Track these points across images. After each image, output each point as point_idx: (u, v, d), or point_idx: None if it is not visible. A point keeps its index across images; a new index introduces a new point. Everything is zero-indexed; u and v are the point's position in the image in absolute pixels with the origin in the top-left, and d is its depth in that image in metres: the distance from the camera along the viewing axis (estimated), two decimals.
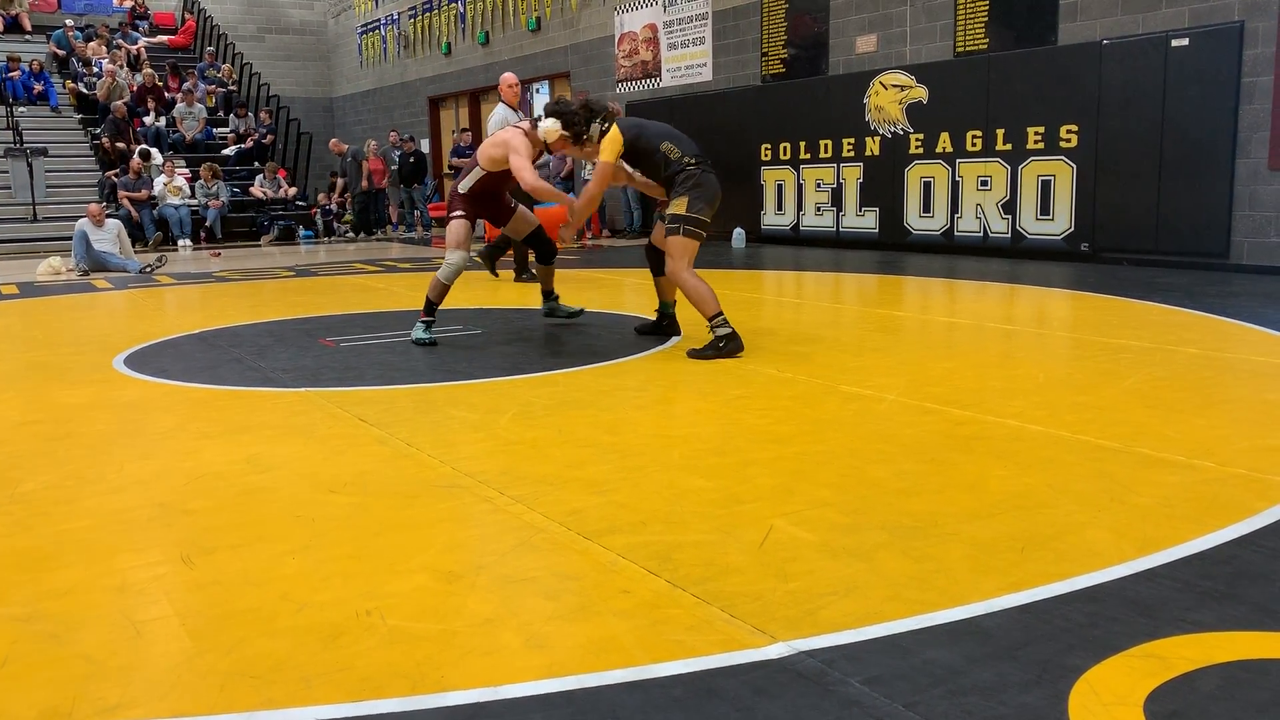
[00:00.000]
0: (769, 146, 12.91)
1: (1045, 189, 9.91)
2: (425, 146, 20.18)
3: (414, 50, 20.86)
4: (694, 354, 5.25)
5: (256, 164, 18.07)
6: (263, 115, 19.44)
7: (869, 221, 11.80)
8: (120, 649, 2.12)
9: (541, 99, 18.34)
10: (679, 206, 5.28)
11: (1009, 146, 10.15)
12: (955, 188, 10.74)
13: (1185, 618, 2.15)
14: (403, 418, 4.08)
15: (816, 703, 1.85)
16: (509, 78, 9.55)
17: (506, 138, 5.68)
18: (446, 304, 7.76)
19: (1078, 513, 2.81)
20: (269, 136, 18.78)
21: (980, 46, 10.45)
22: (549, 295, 6.69)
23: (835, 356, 5.22)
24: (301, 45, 24.29)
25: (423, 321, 5.91)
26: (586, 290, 8.61)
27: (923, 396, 4.25)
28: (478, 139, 18.18)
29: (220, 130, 18.90)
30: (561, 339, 6.25)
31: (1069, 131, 9.64)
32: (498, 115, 9.10)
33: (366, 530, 2.80)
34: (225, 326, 6.83)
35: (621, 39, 15.36)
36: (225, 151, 18.23)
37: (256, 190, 16.97)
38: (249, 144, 18.40)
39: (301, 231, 16.78)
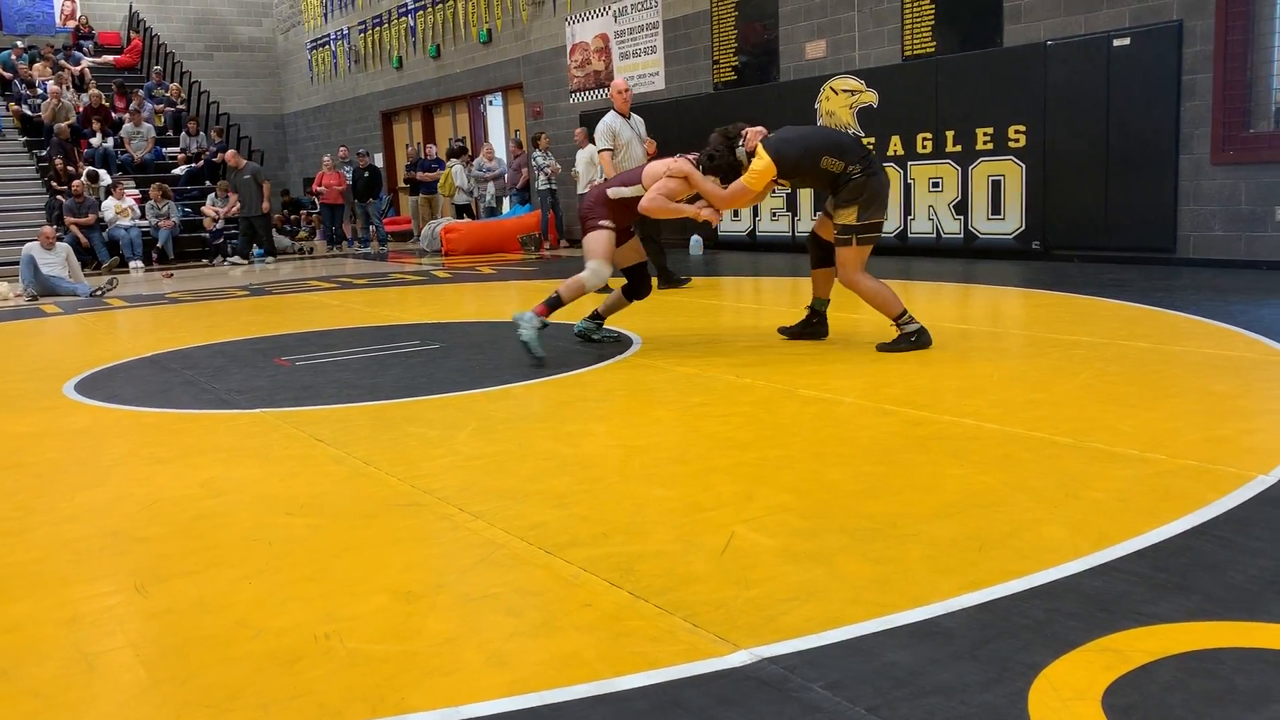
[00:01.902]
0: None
1: (995, 189, 10.04)
2: (379, 161, 20.06)
3: (365, 65, 20.75)
4: (884, 348, 5.32)
5: (208, 183, 17.86)
6: (213, 133, 19.23)
7: None
8: (72, 683, 2.07)
9: (495, 110, 18.33)
10: (849, 217, 5.30)
11: (959, 148, 10.27)
12: (908, 190, 10.84)
13: (1141, 610, 2.18)
14: (360, 436, 4.04)
15: (779, 710, 1.85)
16: (619, 83, 8.76)
17: (678, 169, 5.48)
18: (408, 319, 7.72)
19: (1034, 509, 2.84)
20: (220, 155, 18.56)
21: (928, 50, 10.57)
22: (598, 317, 6.14)
23: (793, 361, 5.25)
24: (251, 62, 24.08)
25: (540, 322, 5.41)
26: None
27: (880, 398, 4.28)
28: (441, 149, 18.10)
29: (170, 150, 18.66)
30: (520, 352, 6.22)
31: (1017, 132, 9.77)
32: (606, 123, 8.54)
33: (324, 552, 2.77)
34: (178, 349, 6.74)
35: (573, 49, 15.38)
36: (175, 171, 18.01)
37: (208, 210, 16.76)
38: (200, 163, 18.18)
39: (255, 250, 16.59)
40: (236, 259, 15.69)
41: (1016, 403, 4.09)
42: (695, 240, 13.05)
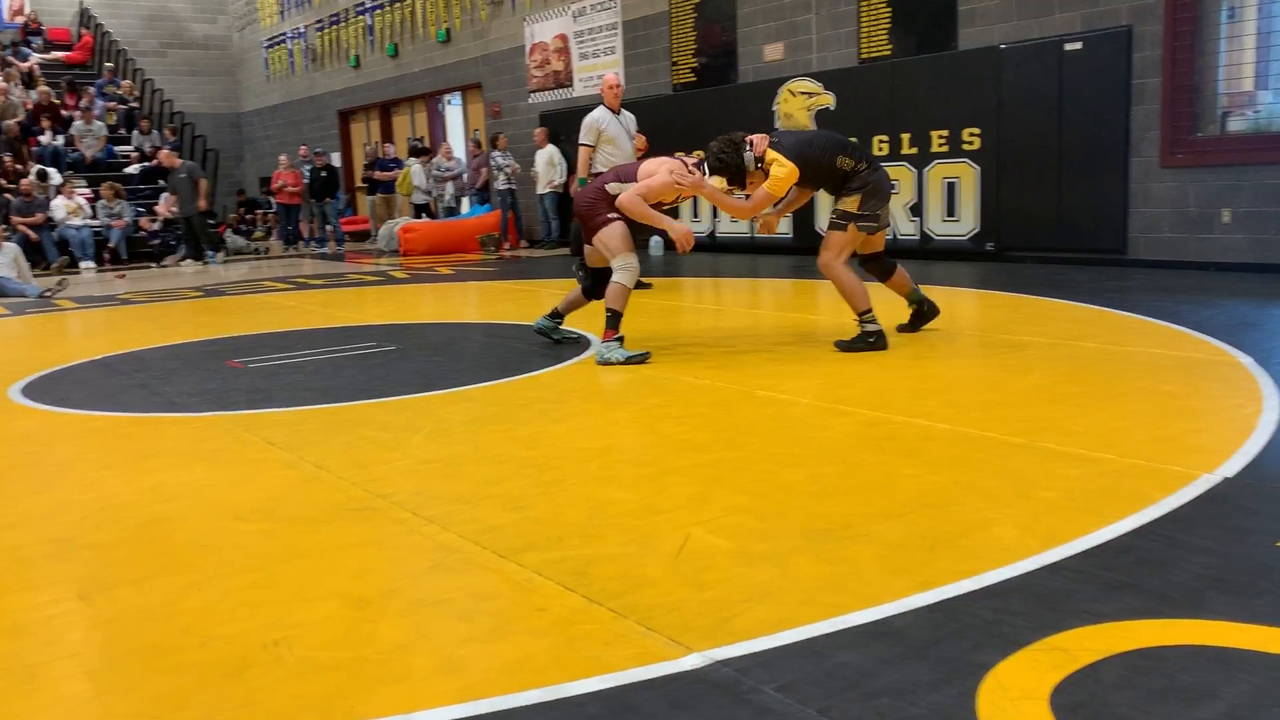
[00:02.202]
0: (682, 154, 12.97)
1: (950, 191, 10.14)
2: (336, 160, 19.88)
3: (322, 63, 20.55)
4: (843, 346, 5.38)
5: (161, 182, 17.59)
6: (166, 132, 18.94)
7: (783, 227, 11.93)
8: (12, 696, 2.03)
9: (454, 109, 18.23)
10: (851, 204, 5.42)
11: (915, 150, 10.36)
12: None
13: (1088, 609, 2.20)
14: (313, 439, 3.99)
15: (731, 713, 1.85)
16: (610, 79, 8.66)
17: (669, 169, 5.43)
18: (364, 320, 7.65)
19: (985, 509, 2.87)
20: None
21: (884, 52, 10.66)
22: (557, 315, 6.06)
23: (751, 362, 5.26)
24: (206, 60, 23.75)
25: (615, 339, 5.36)
26: (502, 301, 8.56)
27: (835, 399, 4.31)
28: (400, 149, 17.97)
29: (122, 148, 18.36)
30: (478, 353, 6.20)
31: (971, 134, 9.87)
32: (592, 118, 8.48)
33: (274, 558, 2.73)
34: (129, 351, 6.63)
35: (533, 49, 15.33)
36: (128, 170, 17.72)
37: (162, 209, 16.50)
38: (154, 162, 17.89)
39: (209, 251, 16.37)
40: (189, 260, 15.32)
41: (969, 403, 4.14)
42: (655, 241, 13.05)
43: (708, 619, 2.23)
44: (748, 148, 5.38)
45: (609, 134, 8.40)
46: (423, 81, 17.85)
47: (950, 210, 10.17)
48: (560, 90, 14.96)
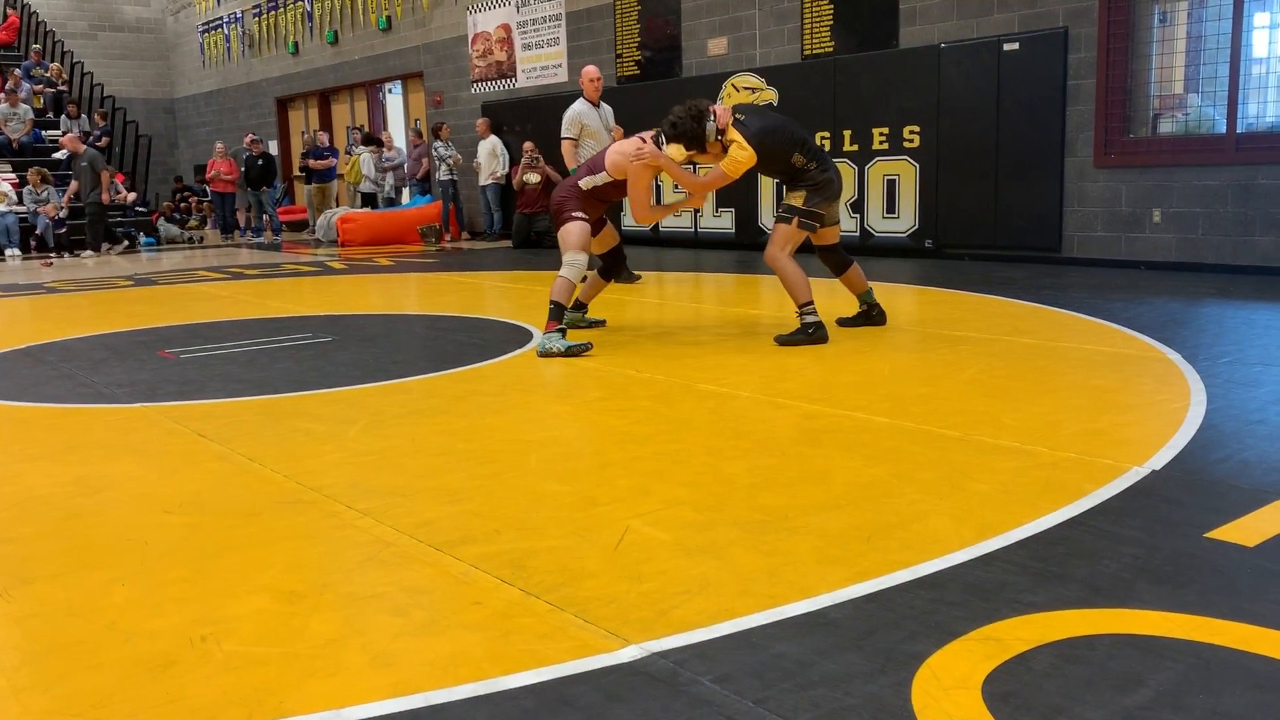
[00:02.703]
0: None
1: (891, 188, 10.25)
2: (274, 148, 19.53)
3: (259, 50, 20.16)
4: (782, 340, 5.42)
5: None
6: (96, 117, 18.45)
7: (725, 222, 11.99)
8: None
9: (394, 98, 18.00)
10: (796, 199, 5.52)
11: (856, 147, 10.45)
12: None
13: (1021, 599, 2.23)
14: (245, 431, 3.91)
15: (668, 704, 1.84)
16: (590, 71, 8.56)
17: (650, 159, 5.44)
18: (300, 310, 7.52)
19: (921, 501, 2.89)
20: (104, 139, 17.83)
21: (827, 49, 10.73)
22: (580, 306, 6.17)
23: (693, 355, 5.27)
24: (138, 43, 23.17)
25: (557, 331, 5.37)
26: (442, 293, 8.47)
27: (776, 392, 4.32)
28: (331, 139, 17.70)
29: (50, 133, 17.85)
30: (417, 345, 6.13)
31: (912, 132, 9.98)
32: (574, 111, 8.43)
33: (203, 552, 2.67)
34: (55, 340, 6.44)
35: (475, 39, 15.19)
36: (56, 155, 17.23)
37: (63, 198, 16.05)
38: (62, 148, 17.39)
39: (143, 238, 16.01)
40: (89, 253, 14.59)
41: (907, 397, 4.18)
42: None
43: (646, 611, 2.22)
44: (710, 118, 5.36)
45: (590, 127, 8.39)
46: (363, 70, 17.60)
47: (890, 207, 10.28)
48: (503, 81, 14.85)
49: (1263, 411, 3.77)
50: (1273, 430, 3.52)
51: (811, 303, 5.47)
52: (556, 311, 5.43)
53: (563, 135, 8.44)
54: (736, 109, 5.53)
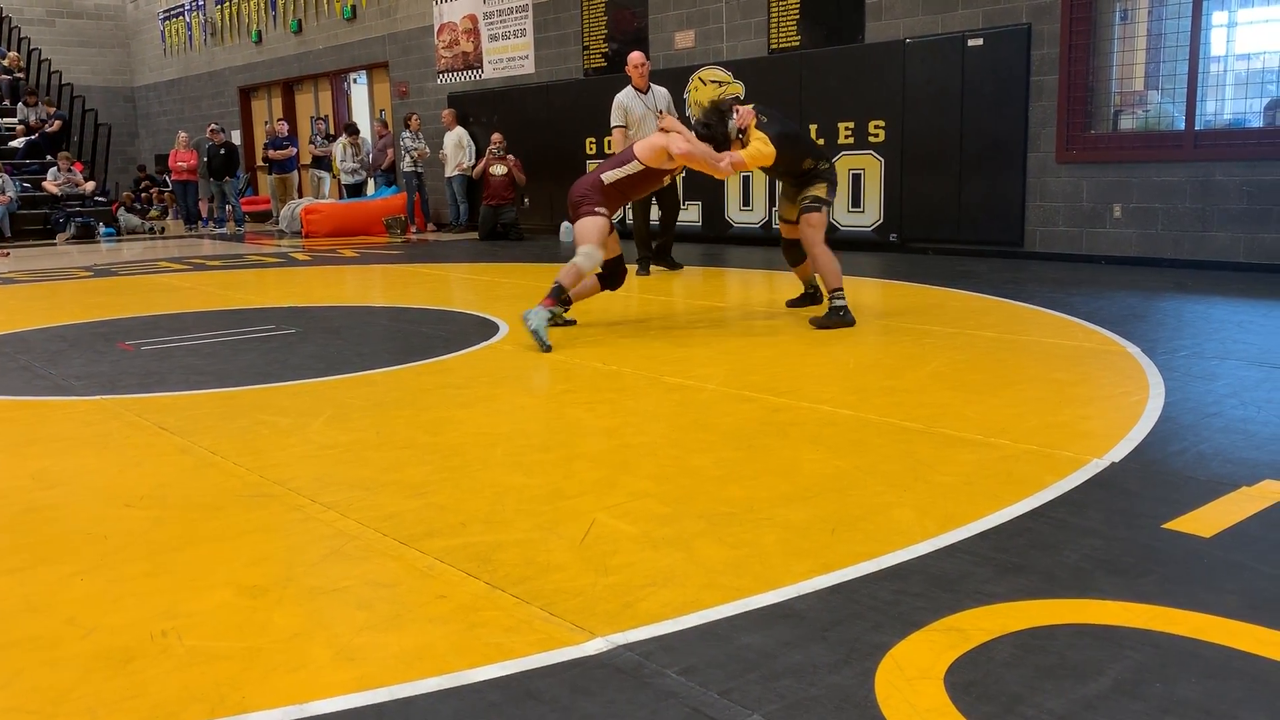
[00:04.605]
0: (594, 140, 12.93)
1: (856, 182, 10.30)
2: (237, 138, 19.29)
3: (222, 38, 19.90)
4: (818, 323, 5.75)
5: (49, 156, 16.86)
6: (44, 105, 18.08)
7: (692, 215, 11.99)
8: None
9: (359, 88, 17.85)
10: (821, 190, 5.94)
11: (822, 141, 10.48)
12: (773, 182, 11.02)
13: (982, 590, 2.26)
14: (207, 424, 3.87)
15: (633, 696, 1.85)
16: (635, 57, 8.56)
17: (667, 141, 5.58)
18: (263, 302, 7.44)
19: (885, 493, 2.92)
20: (55, 123, 17.47)
21: (793, 43, 10.76)
22: (568, 304, 5.94)
23: (660, 348, 5.27)
24: (98, 31, 22.78)
25: (548, 312, 5.33)
26: (408, 285, 8.42)
27: (742, 385, 4.34)
28: (294, 129, 17.53)
29: (6, 121, 17.53)
30: (382, 337, 6.09)
31: (877, 126, 10.04)
32: (618, 99, 8.48)
33: (165, 546, 2.64)
34: (12, 332, 6.34)
35: (441, 29, 15.08)
36: (13, 144, 16.94)
37: (50, 185, 15.83)
38: (36, 136, 17.10)
39: (102, 229, 15.78)
40: None
41: (871, 389, 4.21)
42: (565, 227, 12.98)
43: (611, 604, 2.22)
44: (733, 116, 5.71)
45: (635, 114, 8.47)
46: (327, 59, 17.43)
47: (855, 201, 10.33)
48: (469, 72, 14.76)
49: (1219, 405, 3.84)
50: (1228, 423, 3.59)
51: (841, 288, 5.80)
52: (557, 291, 5.50)
53: (612, 124, 8.53)
54: (758, 109, 5.87)
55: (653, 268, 8.90)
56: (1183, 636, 2.03)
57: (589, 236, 5.53)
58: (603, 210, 5.58)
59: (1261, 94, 8.08)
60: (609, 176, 5.63)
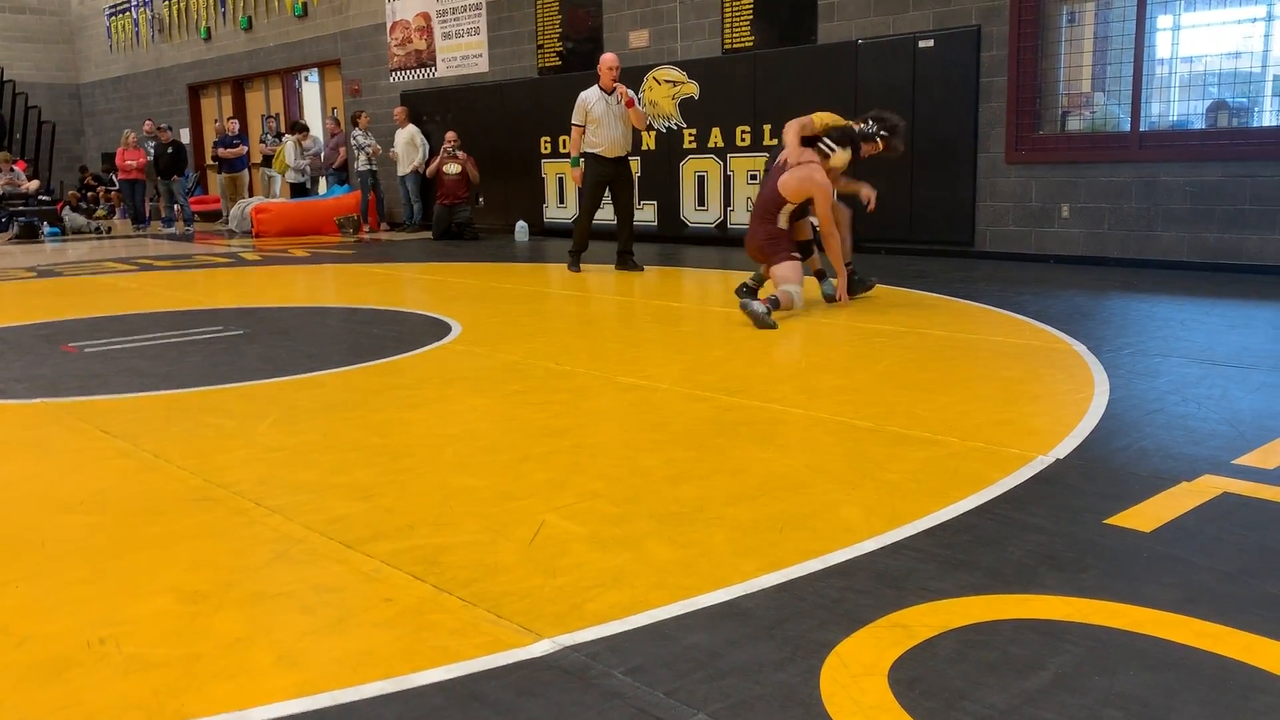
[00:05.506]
0: (549, 139, 12.90)
1: None
2: (185, 136, 19.00)
3: (170, 34, 19.59)
4: (851, 294, 6.65)
5: None
6: None
7: (648, 215, 11.99)
8: None
9: (311, 86, 17.66)
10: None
11: (776, 141, 10.49)
12: (727, 181, 11.06)
13: (928, 586, 2.28)
14: (151, 427, 3.80)
15: (579, 698, 1.84)
16: (608, 59, 8.78)
17: (814, 179, 6.15)
18: (211, 303, 7.34)
19: (833, 491, 2.93)
20: None
21: (746, 44, 10.80)
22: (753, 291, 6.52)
23: (613, 348, 5.26)
24: (41, 26, 22.33)
25: (768, 311, 5.77)
26: (360, 285, 8.34)
27: (694, 385, 4.34)
28: (244, 127, 17.30)
29: None
30: (333, 337, 6.03)
31: None
32: (581, 98, 8.68)
33: (104, 552, 2.59)
34: None
35: (394, 27, 14.96)
36: None
37: None
38: None
39: (46, 228, 15.46)
40: None
41: (822, 388, 4.23)
42: (520, 226, 12.94)
43: (559, 605, 2.21)
44: (858, 149, 6.54)
45: (595, 114, 8.62)
46: (278, 57, 17.22)
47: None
48: (422, 70, 14.65)
49: (1161, 401, 3.91)
50: (1170, 419, 3.65)
51: (851, 261, 6.66)
52: (774, 302, 5.90)
53: (571, 122, 8.71)
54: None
55: (617, 271, 8.91)
56: (1123, 630, 2.06)
57: (787, 276, 6.10)
58: (796, 255, 6.24)
59: (1204, 96, 8.25)
60: (783, 221, 6.26)
